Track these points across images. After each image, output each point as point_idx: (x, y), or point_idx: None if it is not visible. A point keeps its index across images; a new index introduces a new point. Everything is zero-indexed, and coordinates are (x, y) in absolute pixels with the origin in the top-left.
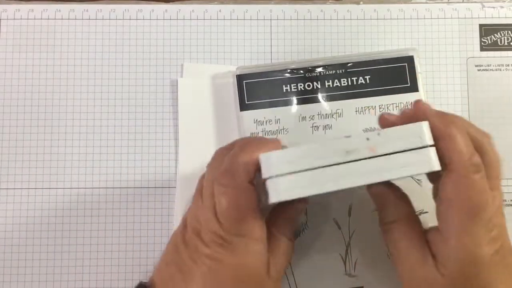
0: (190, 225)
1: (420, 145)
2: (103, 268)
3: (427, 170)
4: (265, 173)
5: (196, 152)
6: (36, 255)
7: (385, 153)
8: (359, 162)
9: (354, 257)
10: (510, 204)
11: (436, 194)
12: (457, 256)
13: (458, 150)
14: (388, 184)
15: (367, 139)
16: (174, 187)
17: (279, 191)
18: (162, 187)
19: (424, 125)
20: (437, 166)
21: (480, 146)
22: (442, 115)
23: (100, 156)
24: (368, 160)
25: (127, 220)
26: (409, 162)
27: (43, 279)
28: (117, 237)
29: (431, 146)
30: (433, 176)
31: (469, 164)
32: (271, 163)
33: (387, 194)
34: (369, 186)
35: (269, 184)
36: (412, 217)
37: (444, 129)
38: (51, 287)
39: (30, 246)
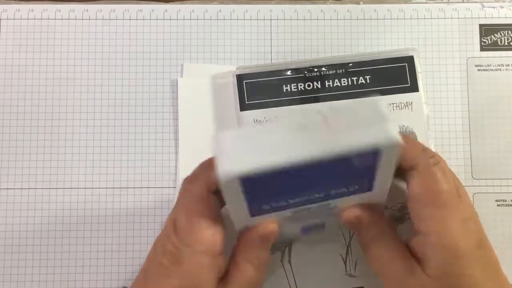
0: (162, 231)
1: (375, 117)
2: (103, 268)
3: (384, 141)
4: (215, 152)
5: (196, 152)
6: (36, 255)
7: (339, 127)
8: (312, 135)
9: (354, 257)
10: (510, 204)
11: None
12: (437, 251)
13: (418, 147)
14: (358, 206)
15: (320, 113)
16: (174, 187)
17: (225, 166)
18: (162, 187)
19: (378, 98)
20: (395, 137)
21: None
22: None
23: (100, 156)
24: (321, 133)
25: (127, 220)
26: (366, 133)
27: (43, 279)
28: (117, 237)
29: (388, 119)
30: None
31: (429, 157)
32: (221, 141)
33: (360, 217)
34: (341, 216)
35: (217, 162)
36: (389, 230)
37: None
38: (51, 287)
39: (30, 246)
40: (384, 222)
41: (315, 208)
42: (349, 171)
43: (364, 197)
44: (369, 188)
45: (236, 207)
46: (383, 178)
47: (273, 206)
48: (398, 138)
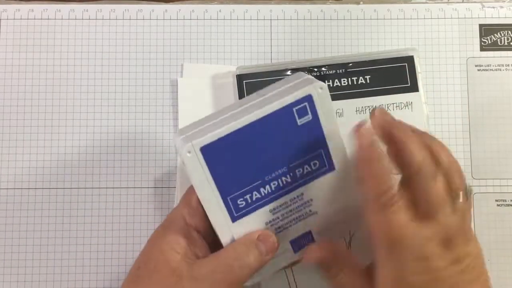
0: None
1: (302, 78)
2: (103, 268)
3: (310, 86)
4: (176, 142)
5: None
6: (36, 255)
7: (271, 93)
8: (252, 104)
9: None
10: (510, 204)
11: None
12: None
13: (369, 185)
14: (318, 246)
15: (257, 93)
16: (174, 187)
17: (184, 144)
18: (162, 187)
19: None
20: (318, 81)
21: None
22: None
23: (100, 156)
24: (260, 101)
25: (127, 220)
26: (295, 89)
27: (43, 279)
28: (117, 237)
29: (309, 76)
30: None
31: (383, 200)
32: (181, 131)
33: (320, 257)
34: (304, 257)
35: (178, 147)
36: (349, 264)
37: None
38: (51, 287)
39: (30, 246)
40: (345, 258)
41: (292, 203)
42: (295, 132)
43: (333, 185)
44: (330, 165)
45: (209, 197)
46: (336, 144)
47: (247, 201)
48: (321, 83)
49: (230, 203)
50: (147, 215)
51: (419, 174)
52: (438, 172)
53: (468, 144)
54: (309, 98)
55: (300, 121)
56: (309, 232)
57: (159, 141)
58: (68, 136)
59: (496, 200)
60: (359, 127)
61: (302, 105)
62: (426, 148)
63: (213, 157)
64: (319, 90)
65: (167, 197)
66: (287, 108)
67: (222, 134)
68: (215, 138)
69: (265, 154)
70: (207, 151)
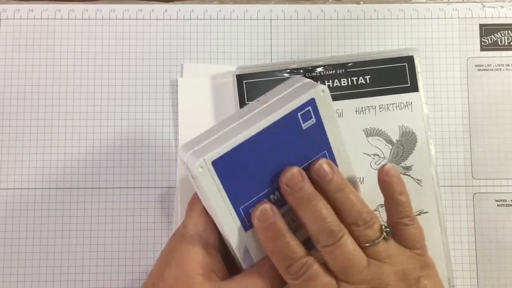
0: None
1: (301, 82)
2: (103, 268)
3: (313, 90)
4: (183, 158)
5: None
6: (36, 255)
7: (276, 99)
8: (256, 113)
9: None
10: (510, 204)
11: None
12: None
13: (275, 262)
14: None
15: (258, 100)
16: (174, 187)
17: (196, 159)
18: (162, 187)
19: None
20: (319, 84)
21: None
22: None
23: (100, 156)
24: (264, 108)
25: (127, 220)
26: (297, 94)
27: (43, 279)
28: (117, 237)
29: (308, 80)
30: None
31: (292, 271)
32: (186, 146)
33: None
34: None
35: (188, 163)
36: None
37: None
38: (51, 287)
39: (30, 246)
40: None
41: None
42: (300, 136)
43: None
44: (332, 159)
45: (222, 209)
46: (338, 144)
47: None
48: (323, 86)
49: (242, 213)
50: (147, 215)
51: (318, 243)
52: (339, 236)
53: (468, 144)
54: (312, 102)
55: (304, 125)
56: None
57: (159, 141)
58: (68, 136)
59: (496, 200)
60: (257, 212)
61: (306, 109)
62: (321, 216)
63: (224, 169)
64: (321, 93)
65: (167, 197)
66: (292, 114)
67: (232, 146)
68: (226, 151)
69: (272, 161)
70: (218, 164)
